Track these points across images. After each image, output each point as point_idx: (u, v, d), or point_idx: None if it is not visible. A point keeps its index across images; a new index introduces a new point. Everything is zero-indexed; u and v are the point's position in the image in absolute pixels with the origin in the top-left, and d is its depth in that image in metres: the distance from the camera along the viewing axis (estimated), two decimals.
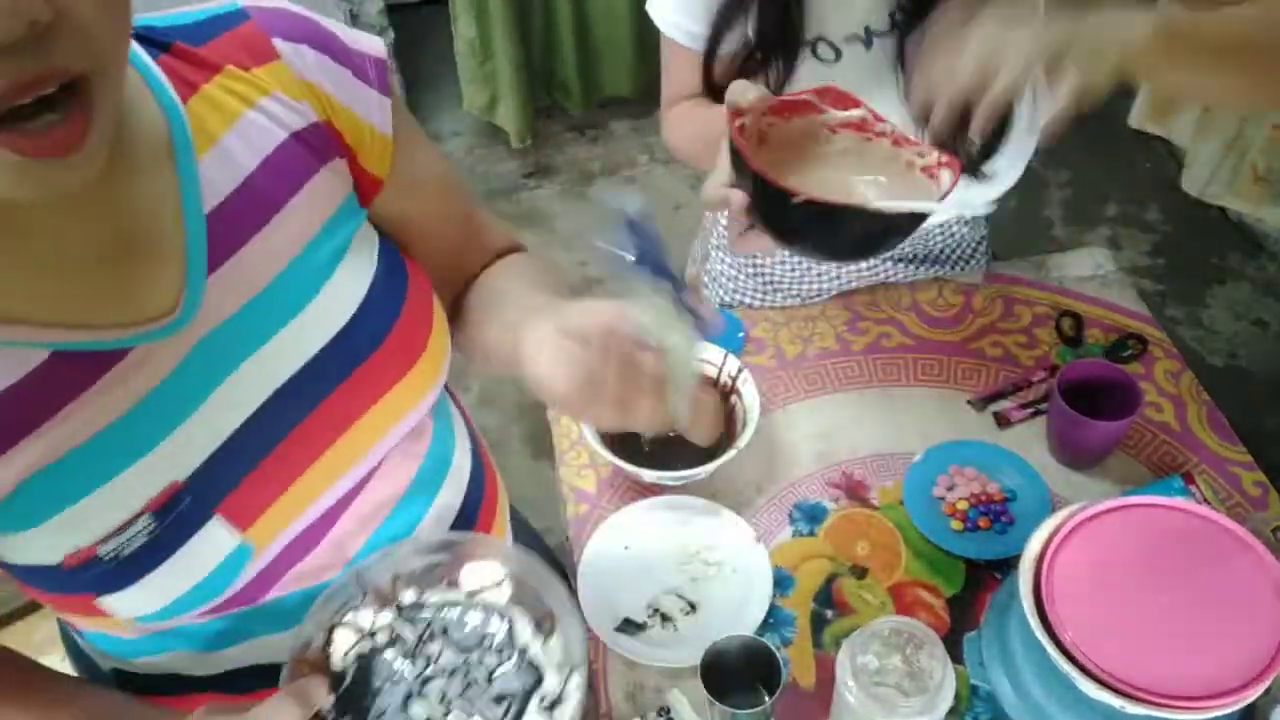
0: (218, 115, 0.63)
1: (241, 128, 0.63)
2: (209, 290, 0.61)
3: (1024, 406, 1.19)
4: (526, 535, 1.16)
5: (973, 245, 1.35)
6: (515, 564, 0.71)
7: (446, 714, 0.64)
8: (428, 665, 0.66)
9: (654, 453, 1.13)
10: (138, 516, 0.60)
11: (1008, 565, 1.04)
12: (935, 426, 1.18)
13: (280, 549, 0.68)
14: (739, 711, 0.88)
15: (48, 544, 0.59)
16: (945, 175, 0.80)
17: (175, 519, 0.61)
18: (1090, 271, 1.34)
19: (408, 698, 0.65)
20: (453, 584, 0.70)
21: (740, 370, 1.16)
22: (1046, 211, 2.72)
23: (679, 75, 1.12)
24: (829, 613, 1.03)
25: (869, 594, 1.05)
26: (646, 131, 2.97)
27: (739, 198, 0.77)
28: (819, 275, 1.32)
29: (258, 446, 0.64)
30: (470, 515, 0.83)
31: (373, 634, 0.67)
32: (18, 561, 0.60)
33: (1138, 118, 2.82)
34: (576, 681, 0.66)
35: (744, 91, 0.77)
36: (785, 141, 0.83)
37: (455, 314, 0.85)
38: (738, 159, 0.76)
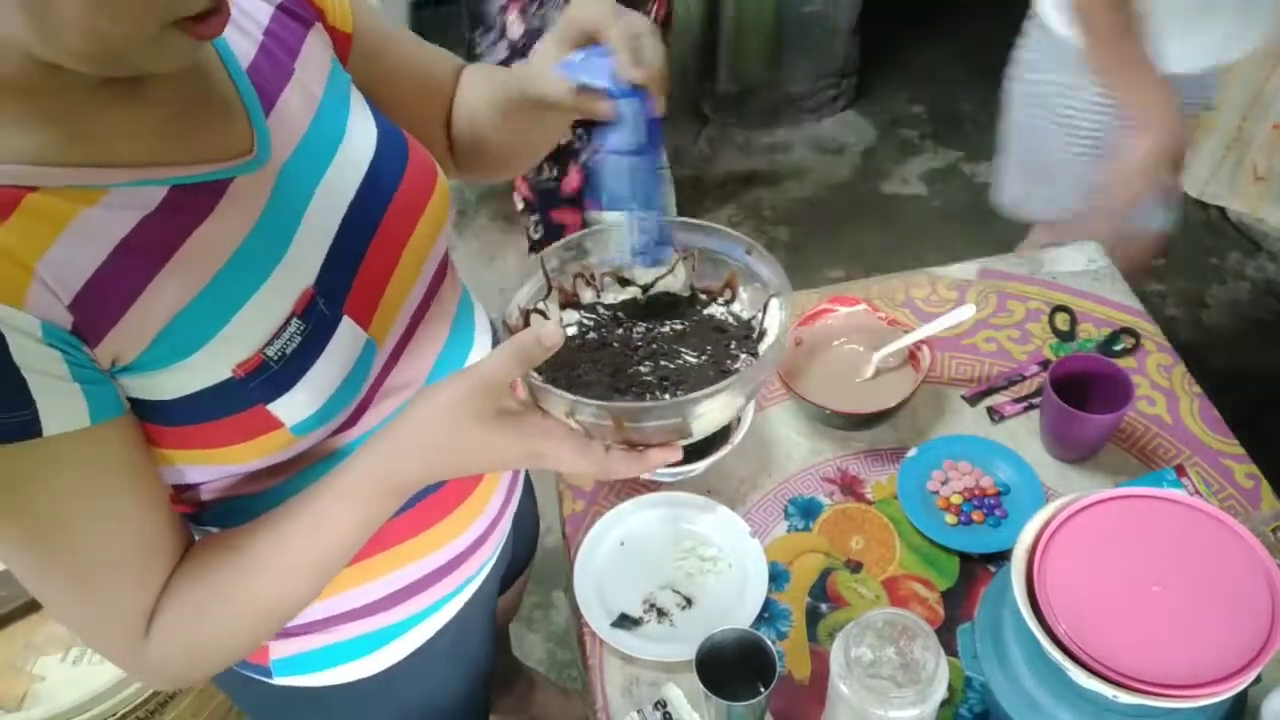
0: None
1: (238, 3, 0.74)
2: (273, 132, 0.72)
3: (1017, 401, 1.19)
4: (530, 522, 1.17)
5: None
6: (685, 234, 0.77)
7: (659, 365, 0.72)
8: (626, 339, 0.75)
9: None
10: (288, 320, 0.68)
11: (1001, 558, 1.04)
12: (929, 421, 1.19)
13: (392, 344, 0.79)
14: (735, 705, 0.88)
15: (218, 360, 0.66)
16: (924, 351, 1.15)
17: (316, 320, 0.70)
18: (1083, 266, 1.35)
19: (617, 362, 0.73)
20: (626, 281, 0.79)
21: None
22: None
23: None
24: (824, 606, 1.04)
25: (863, 588, 1.05)
26: None
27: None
28: None
29: (356, 247, 0.75)
30: None
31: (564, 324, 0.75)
32: (188, 390, 0.66)
33: None
34: (774, 308, 0.74)
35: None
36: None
37: (460, 137, 0.95)
38: None
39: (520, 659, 1.65)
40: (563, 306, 0.78)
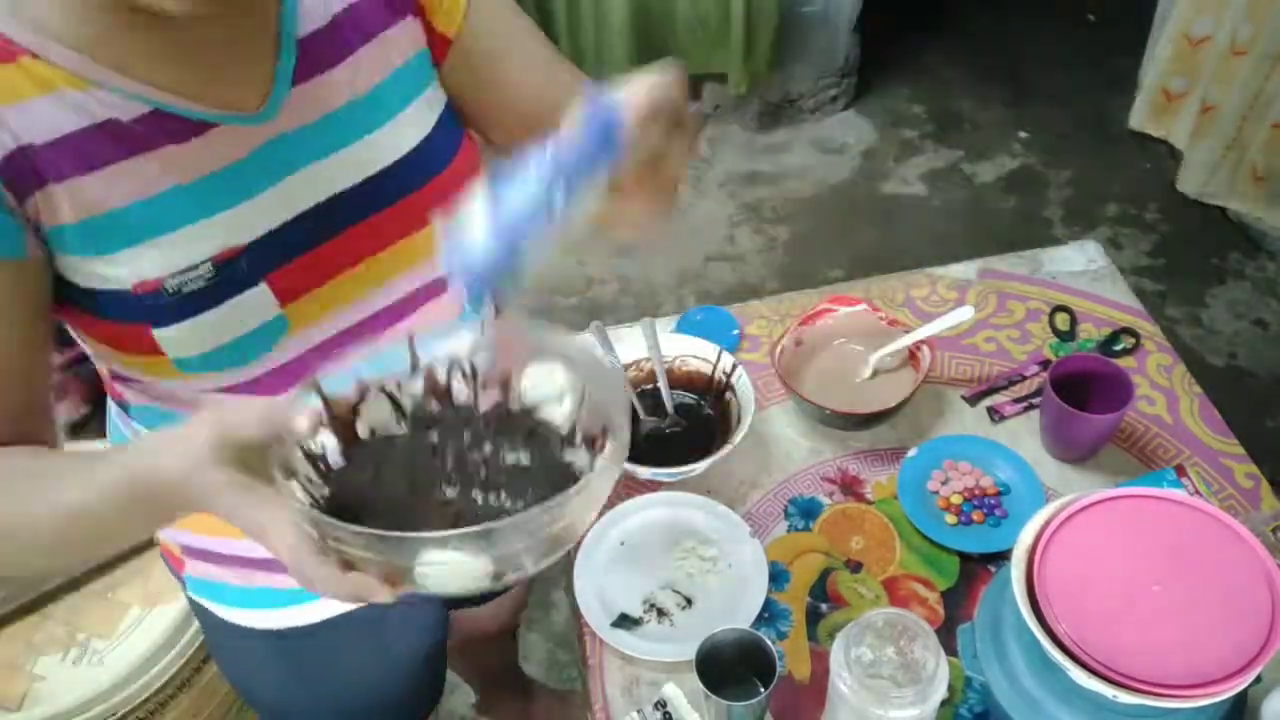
0: None
1: None
2: (291, 99, 0.73)
3: (1017, 401, 1.19)
4: None
5: None
6: (580, 372, 0.68)
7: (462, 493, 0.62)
8: (454, 463, 0.64)
9: (650, 449, 1.14)
10: (201, 263, 0.70)
11: (1001, 558, 1.04)
12: (929, 421, 1.19)
13: (314, 339, 0.78)
14: (734, 705, 0.88)
15: (127, 269, 0.69)
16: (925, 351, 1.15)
17: (229, 274, 0.71)
18: (1083, 266, 1.35)
19: (419, 483, 0.63)
20: (506, 385, 0.69)
21: (735, 367, 1.16)
22: (1046, 212, 2.72)
23: None
24: (824, 606, 1.04)
25: (863, 588, 1.05)
26: None
27: None
28: None
29: (310, 236, 0.75)
30: None
31: (406, 415, 0.68)
32: (97, 286, 0.69)
33: (1137, 118, 2.83)
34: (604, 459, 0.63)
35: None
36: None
37: None
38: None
39: (522, 668, 1.65)
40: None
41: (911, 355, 1.19)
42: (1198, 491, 1.05)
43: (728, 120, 3.05)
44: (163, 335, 0.72)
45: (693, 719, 0.95)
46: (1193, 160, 2.63)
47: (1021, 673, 0.83)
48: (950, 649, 0.88)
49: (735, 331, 1.30)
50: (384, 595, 0.58)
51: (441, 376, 0.69)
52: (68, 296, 0.71)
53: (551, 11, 2.72)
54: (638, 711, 0.97)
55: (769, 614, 1.03)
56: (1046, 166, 2.84)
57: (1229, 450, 1.13)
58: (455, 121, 0.84)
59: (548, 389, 0.68)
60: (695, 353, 1.19)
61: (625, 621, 1.03)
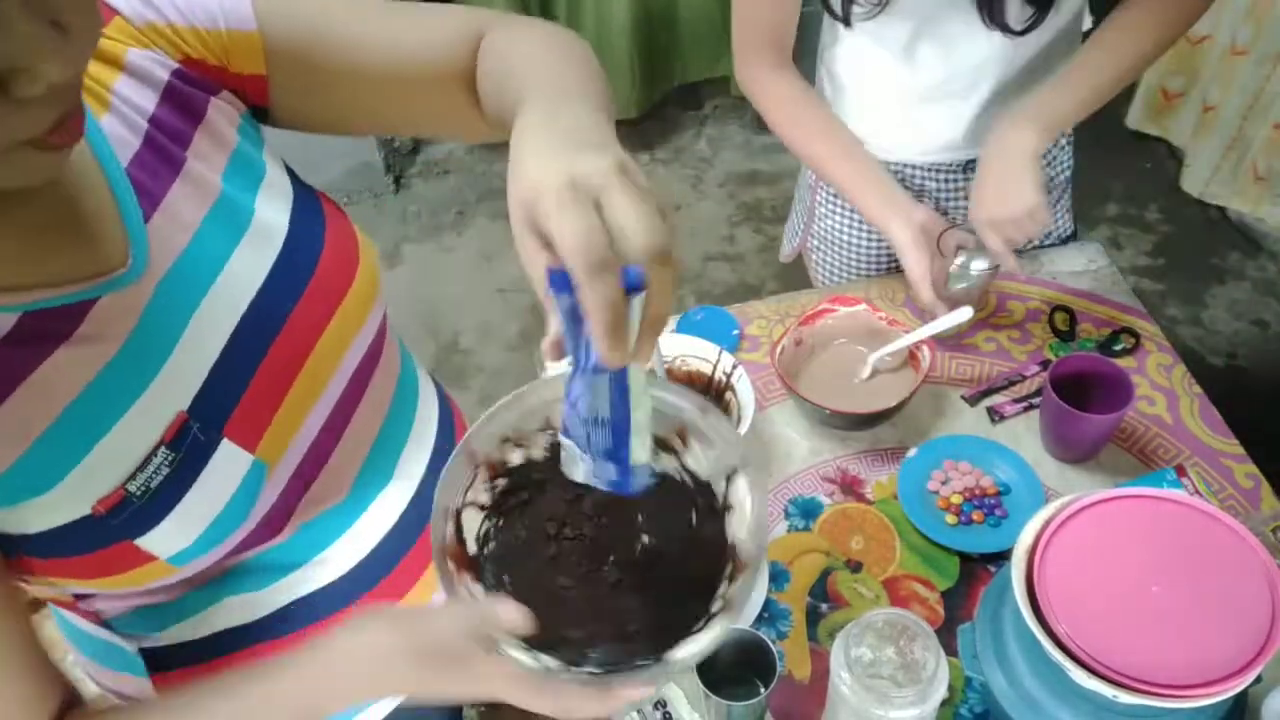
0: (99, 76, 0.64)
1: (119, 90, 0.65)
2: (151, 237, 0.64)
3: (1017, 401, 1.19)
4: None
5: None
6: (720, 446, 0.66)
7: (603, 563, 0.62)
8: (562, 525, 0.64)
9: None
10: (155, 450, 0.62)
11: (1001, 558, 1.04)
12: (929, 421, 1.19)
13: (292, 467, 0.72)
14: (735, 705, 0.88)
15: (75, 496, 0.60)
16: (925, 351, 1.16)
17: (190, 447, 0.64)
18: (1083, 266, 1.35)
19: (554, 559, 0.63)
20: (552, 427, 0.66)
21: (735, 367, 1.16)
22: None
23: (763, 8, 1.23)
24: (824, 606, 1.04)
25: (864, 588, 1.05)
26: (647, 132, 2.99)
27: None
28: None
29: (244, 367, 0.68)
30: (446, 448, 0.86)
31: (495, 506, 0.66)
32: (49, 526, 0.60)
33: (1136, 118, 2.83)
34: (742, 484, 0.63)
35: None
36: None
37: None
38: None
39: None
40: (492, 478, 0.66)
41: (911, 355, 1.19)
42: (1198, 491, 1.05)
43: (728, 120, 3.05)
44: (148, 542, 0.63)
45: (693, 719, 0.95)
46: (1195, 160, 2.63)
47: (1021, 673, 0.83)
48: (950, 649, 0.88)
49: (735, 331, 1.30)
50: (643, 692, 0.60)
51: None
52: (15, 549, 0.61)
53: (554, 14, 2.72)
54: (638, 711, 0.97)
55: (769, 614, 1.03)
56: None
57: (1229, 450, 1.13)
58: (303, 186, 0.76)
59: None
60: (695, 353, 1.18)
61: None
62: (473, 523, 0.64)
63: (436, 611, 0.60)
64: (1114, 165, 2.83)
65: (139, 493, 0.62)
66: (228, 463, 0.66)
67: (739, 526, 0.63)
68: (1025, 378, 1.22)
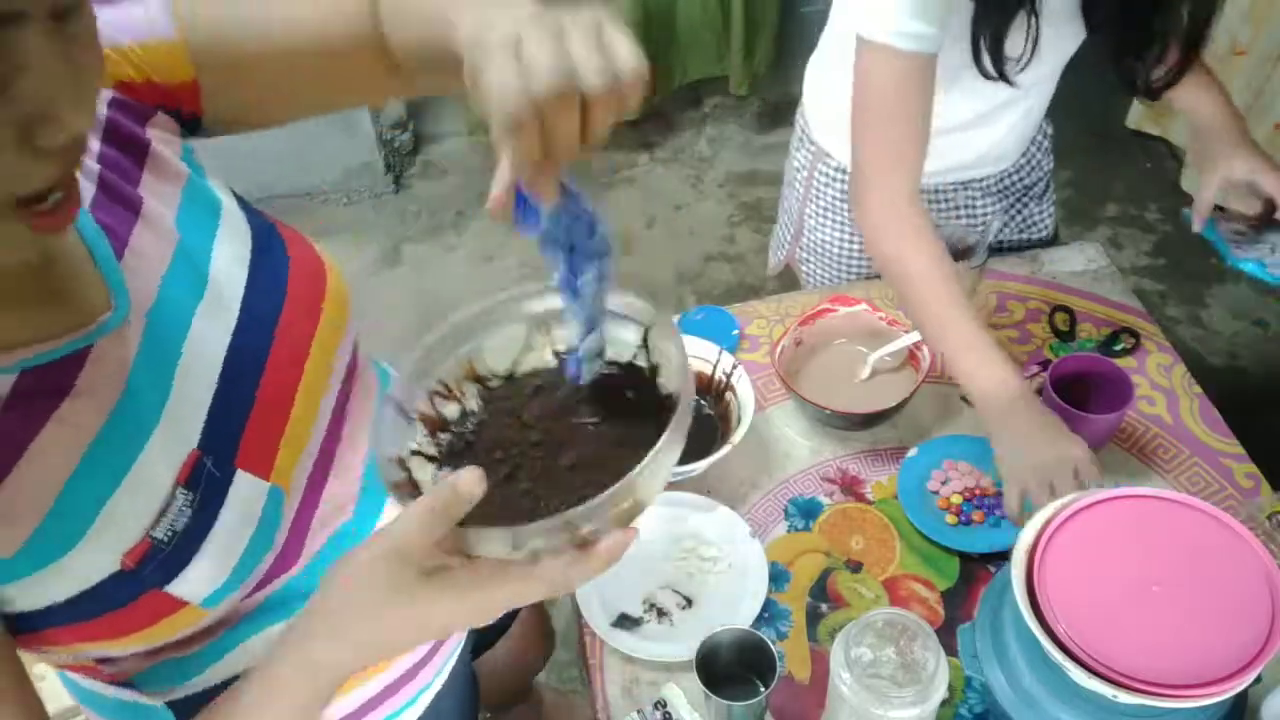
0: None
1: None
2: (128, 275, 0.63)
3: None
4: None
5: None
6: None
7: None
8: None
9: None
10: (173, 492, 0.61)
11: (1001, 558, 1.04)
12: (929, 421, 1.19)
13: (301, 490, 0.72)
14: (735, 705, 0.88)
15: (101, 551, 0.59)
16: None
17: (206, 483, 0.63)
18: (1082, 266, 1.35)
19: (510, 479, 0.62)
20: (476, 377, 0.67)
21: (735, 367, 1.16)
22: None
23: (898, 89, 1.02)
24: (824, 606, 1.04)
25: (864, 588, 1.05)
26: (647, 132, 2.99)
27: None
28: None
29: (244, 391, 0.68)
30: None
31: (443, 456, 0.65)
32: (79, 589, 0.59)
33: (1136, 118, 2.83)
34: (655, 336, 0.64)
35: None
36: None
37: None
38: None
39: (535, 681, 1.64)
40: (432, 433, 0.65)
41: (911, 355, 1.19)
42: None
43: (727, 120, 3.05)
44: (178, 587, 0.63)
45: (693, 719, 0.95)
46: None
47: (1021, 673, 0.83)
48: (950, 649, 0.88)
49: (735, 331, 1.30)
50: (628, 536, 0.56)
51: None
52: (40, 624, 0.60)
53: None
54: (638, 711, 0.97)
55: (769, 614, 1.03)
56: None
57: (1229, 450, 1.13)
58: (252, 215, 0.75)
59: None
60: (695, 353, 1.19)
61: (625, 622, 1.03)
62: (423, 472, 0.64)
63: (402, 530, 0.55)
64: (1114, 165, 2.83)
65: (165, 538, 0.61)
66: (246, 493, 0.66)
67: (669, 378, 0.65)
68: (1025, 378, 1.22)
